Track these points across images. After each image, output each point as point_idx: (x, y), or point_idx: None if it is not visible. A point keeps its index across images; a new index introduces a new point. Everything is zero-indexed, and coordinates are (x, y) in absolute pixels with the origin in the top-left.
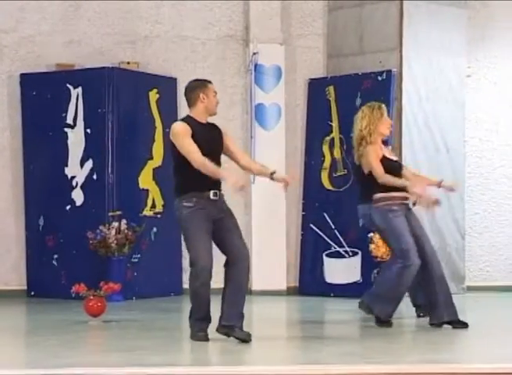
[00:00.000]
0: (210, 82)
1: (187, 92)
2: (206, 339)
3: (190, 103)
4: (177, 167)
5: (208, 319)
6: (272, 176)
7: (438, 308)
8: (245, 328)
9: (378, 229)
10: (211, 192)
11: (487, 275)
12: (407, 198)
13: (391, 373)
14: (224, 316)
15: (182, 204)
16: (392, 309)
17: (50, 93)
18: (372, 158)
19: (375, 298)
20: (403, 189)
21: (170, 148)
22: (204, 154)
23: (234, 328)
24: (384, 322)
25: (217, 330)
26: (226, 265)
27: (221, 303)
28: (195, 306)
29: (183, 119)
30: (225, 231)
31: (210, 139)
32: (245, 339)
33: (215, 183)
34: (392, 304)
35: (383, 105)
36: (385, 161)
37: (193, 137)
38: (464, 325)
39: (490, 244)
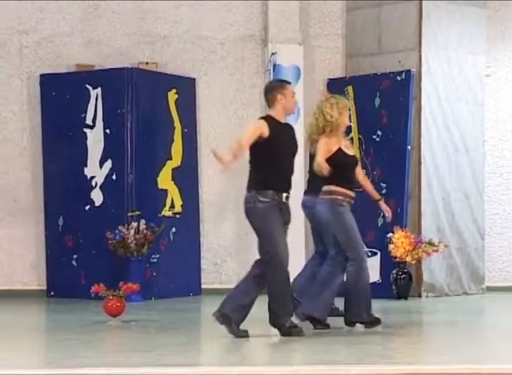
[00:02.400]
0: (288, 83)
1: (266, 93)
2: (303, 333)
3: (269, 104)
4: (259, 163)
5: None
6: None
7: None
8: (260, 328)
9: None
10: (285, 195)
11: (507, 275)
12: (353, 198)
13: (410, 374)
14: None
15: (258, 198)
16: (365, 309)
17: (69, 93)
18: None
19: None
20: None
21: (253, 144)
22: (282, 153)
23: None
24: (371, 322)
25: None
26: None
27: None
28: (281, 299)
29: (263, 118)
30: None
31: (289, 138)
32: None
33: (289, 187)
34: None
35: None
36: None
37: (273, 136)
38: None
39: (510, 245)
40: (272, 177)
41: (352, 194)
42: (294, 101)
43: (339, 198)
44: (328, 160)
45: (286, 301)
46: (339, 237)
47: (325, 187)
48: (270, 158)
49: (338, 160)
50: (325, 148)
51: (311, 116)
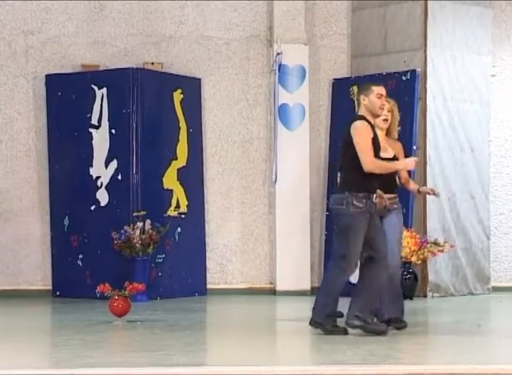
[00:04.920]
0: (377, 85)
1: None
2: (346, 332)
3: (358, 105)
4: (353, 164)
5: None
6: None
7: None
8: (269, 329)
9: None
10: (375, 195)
11: None
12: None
13: (415, 374)
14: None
15: (352, 201)
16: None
17: (75, 93)
18: None
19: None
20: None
21: (346, 145)
22: (375, 154)
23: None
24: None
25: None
26: (366, 261)
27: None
28: (329, 299)
29: (362, 118)
30: (373, 230)
31: (378, 140)
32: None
33: (379, 187)
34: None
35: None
36: None
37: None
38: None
39: None
40: (366, 179)
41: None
42: (380, 103)
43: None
44: None
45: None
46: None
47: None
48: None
49: None
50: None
51: None
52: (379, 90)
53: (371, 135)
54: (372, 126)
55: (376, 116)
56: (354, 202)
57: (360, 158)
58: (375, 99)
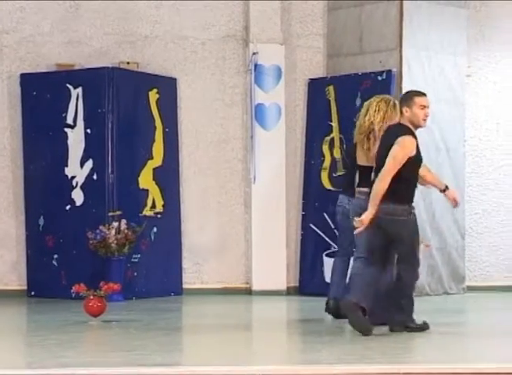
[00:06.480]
0: (419, 95)
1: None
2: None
3: (401, 115)
4: (405, 177)
5: None
6: (444, 191)
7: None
8: (244, 329)
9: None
10: (413, 205)
11: (487, 275)
12: None
13: (391, 373)
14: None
15: (413, 211)
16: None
17: (50, 93)
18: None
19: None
20: None
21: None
22: (419, 162)
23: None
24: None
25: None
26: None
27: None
28: (411, 300)
29: (410, 133)
30: None
31: (419, 150)
32: (424, 328)
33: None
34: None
35: (397, 103)
36: None
37: (416, 151)
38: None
39: (490, 245)
40: (411, 190)
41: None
42: (423, 113)
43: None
44: None
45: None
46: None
47: (363, 189)
48: (413, 171)
49: None
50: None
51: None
52: (422, 101)
53: (412, 154)
54: (416, 138)
55: (418, 127)
56: (413, 211)
57: (384, 166)
58: (417, 111)
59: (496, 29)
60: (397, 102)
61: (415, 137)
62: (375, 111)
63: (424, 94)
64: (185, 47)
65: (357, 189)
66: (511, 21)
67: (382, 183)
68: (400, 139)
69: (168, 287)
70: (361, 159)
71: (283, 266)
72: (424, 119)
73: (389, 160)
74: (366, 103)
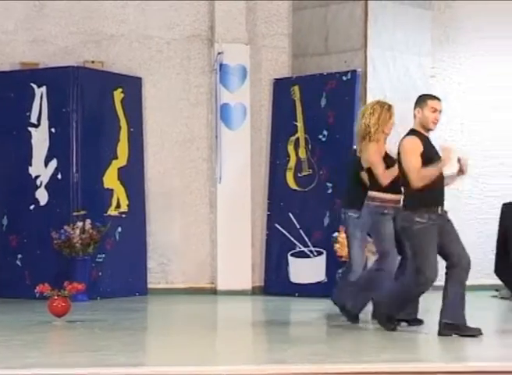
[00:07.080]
0: (433, 98)
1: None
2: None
3: (414, 117)
4: (408, 181)
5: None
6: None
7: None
8: (209, 329)
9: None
10: (439, 208)
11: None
12: (399, 202)
13: (357, 373)
14: (449, 316)
15: (414, 218)
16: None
17: (14, 92)
18: (373, 155)
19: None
20: (398, 191)
21: (399, 163)
22: (432, 160)
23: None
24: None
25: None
26: (448, 267)
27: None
28: (397, 305)
29: (412, 133)
30: (446, 237)
31: (434, 150)
32: (476, 334)
33: (442, 200)
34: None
35: (392, 106)
36: (387, 159)
37: (427, 153)
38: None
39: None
40: (424, 195)
41: (394, 197)
42: (434, 117)
43: (382, 204)
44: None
45: (401, 308)
46: (374, 242)
47: (371, 193)
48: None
49: (387, 164)
50: (377, 152)
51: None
52: (434, 104)
53: (420, 150)
54: (423, 138)
55: (428, 129)
56: (417, 219)
57: (408, 178)
58: (428, 113)
59: (460, 30)
60: (392, 105)
61: (420, 137)
62: (370, 113)
63: (438, 99)
64: (150, 46)
65: (370, 193)
66: (475, 23)
67: (419, 182)
68: (400, 147)
69: (133, 287)
70: (364, 163)
71: (248, 265)
72: (434, 122)
73: (408, 176)
74: (362, 108)
